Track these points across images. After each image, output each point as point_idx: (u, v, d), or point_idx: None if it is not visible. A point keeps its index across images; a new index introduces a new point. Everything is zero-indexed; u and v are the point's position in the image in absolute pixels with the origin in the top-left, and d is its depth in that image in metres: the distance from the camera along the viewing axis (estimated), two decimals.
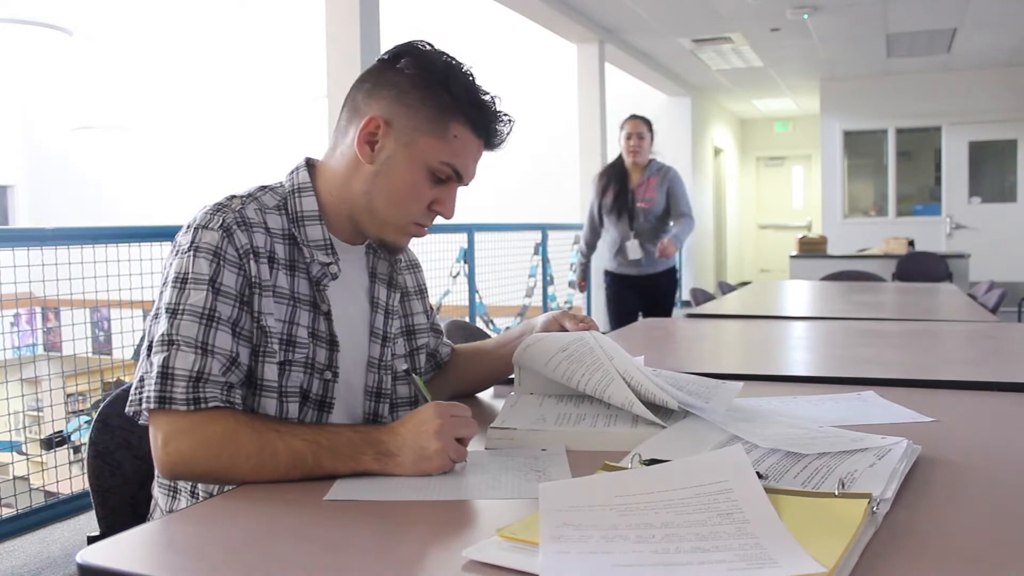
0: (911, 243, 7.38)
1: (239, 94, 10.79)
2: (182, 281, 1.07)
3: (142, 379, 1.05)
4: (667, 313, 4.49)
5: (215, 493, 1.07)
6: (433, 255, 5.29)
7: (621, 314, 4.45)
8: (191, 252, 1.08)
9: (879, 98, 9.79)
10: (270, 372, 1.11)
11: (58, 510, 2.97)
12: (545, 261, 6.58)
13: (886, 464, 0.93)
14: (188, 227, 1.12)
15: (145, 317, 1.13)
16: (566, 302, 7.03)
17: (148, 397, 1.03)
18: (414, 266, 1.40)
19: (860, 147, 10.22)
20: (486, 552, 0.74)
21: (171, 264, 1.10)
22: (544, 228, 6.60)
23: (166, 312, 1.06)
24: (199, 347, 1.04)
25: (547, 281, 6.57)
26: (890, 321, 2.65)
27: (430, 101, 1.14)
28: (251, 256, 1.10)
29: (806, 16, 6.88)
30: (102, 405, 1.28)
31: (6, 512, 2.92)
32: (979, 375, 1.66)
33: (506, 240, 6.18)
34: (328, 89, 4.38)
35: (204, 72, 10.88)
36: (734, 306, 3.40)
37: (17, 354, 3.82)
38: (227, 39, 10.54)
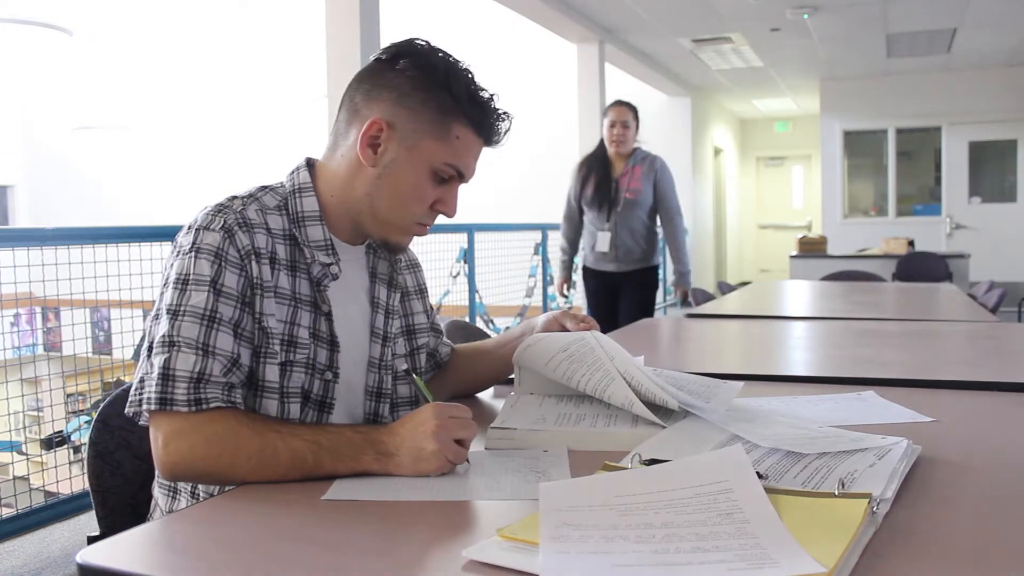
0: (911, 243, 7.38)
1: (239, 94, 10.80)
2: (183, 282, 1.07)
3: (142, 380, 1.05)
4: (647, 315, 4.04)
5: (215, 493, 1.07)
6: (433, 255, 5.30)
7: (597, 314, 4.09)
8: (192, 253, 1.08)
9: (879, 98, 9.79)
10: (271, 373, 1.11)
11: (58, 510, 2.97)
12: (545, 261, 6.59)
13: (886, 464, 0.93)
14: (189, 228, 1.12)
15: (145, 317, 1.13)
16: (566, 303, 7.03)
17: (149, 398, 1.03)
18: (414, 266, 1.40)
19: (860, 147, 10.22)
20: (486, 552, 0.74)
21: (172, 265, 1.10)
22: (544, 228, 6.60)
23: (167, 313, 1.06)
24: (200, 348, 1.04)
25: (547, 281, 6.57)
26: (890, 321, 2.65)
27: (431, 103, 1.13)
28: (252, 257, 1.10)
29: (806, 16, 6.88)
30: (102, 405, 1.28)
31: (6, 512, 2.92)
32: (979, 375, 1.66)
33: (506, 240, 6.18)
34: (328, 89, 4.38)
35: (204, 72, 10.88)
36: (734, 306, 3.40)
37: (17, 354, 3.83)
38: (227, 39, 10.54)
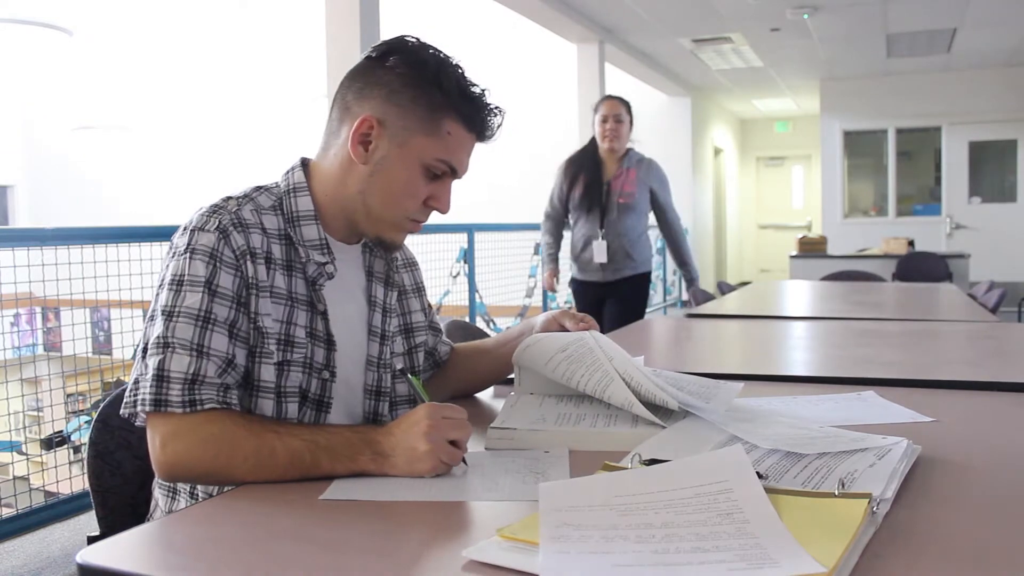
0: (911, 243, 7.38)
1: (239, 94, 10.80)
2: (178, 283, 1.07)
3: (137, 381, 1.05)
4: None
5: (214, 494, 1.07)
6: (433, 255, 5.29)
7: None
8: (187, 254, 1.08)
9: (879, 98, 9.80)
10: (267, 373, 1.11)
11: (58, 510, 2.97)
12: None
13: (886, 464, 0.93)
14: (184, 229, 1.12)
15: (146, 317, 1.13)
16: (566, 302, 7.03)
17: (143, 399, 1.03)
18: (411, 264, 1.40)
19: (860, 147, 10.23)
20: (486, 552, 0.74)
21: (167, 266, 1.10)
22: None
23: (162, 314, 1.06)
24: (194, 349, 1.04)
25: None
26: (890, 321, 2.65)
27: (422, 100, 1.13)
28: (248, 257, 1.10)
29: (806, 16, 6.88)
30: (102, 405, 1.28)
31: (6, 512, 2.92)
32: (979, 375, 1.66)
33: (506, 240, 6.18)
34: (328, 89, 4.38)
35: (204, 72, 10.88)
36: (734, 306, 3.40)
37: (17, 354, 3.83)
38: (227, 39, 10.54)
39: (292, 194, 1.19)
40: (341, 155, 1.17)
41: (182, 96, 11.09)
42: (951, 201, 9.58)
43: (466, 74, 1.16)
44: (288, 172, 1.22)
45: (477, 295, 5.62)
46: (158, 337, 1.05)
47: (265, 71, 10.53)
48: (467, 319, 5.42)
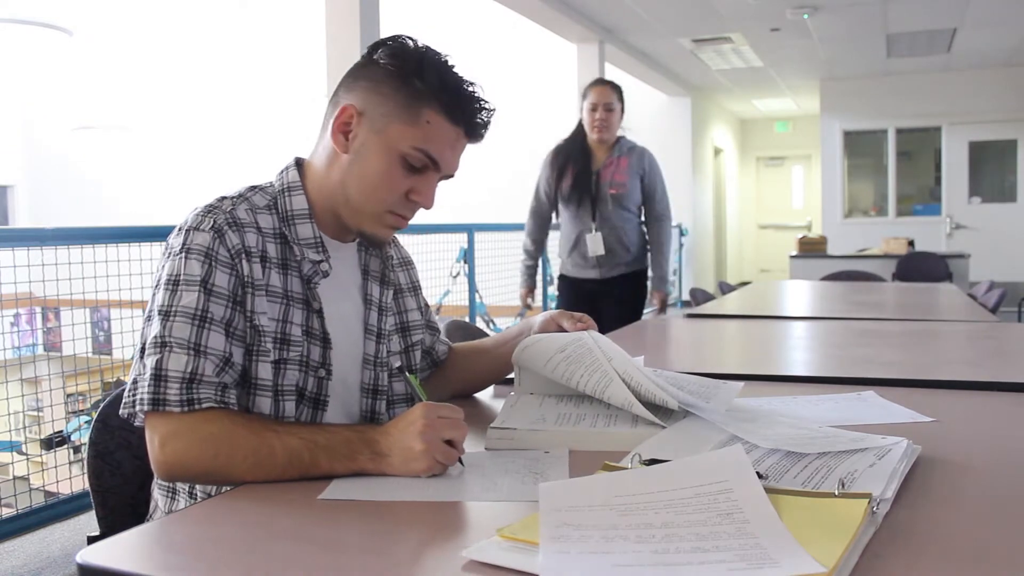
0: (911, 243, 7.39)
1: (239, 94, 10.80)
2: (174, 283, 1.07)
3: (135, 381, 1.05)
4: None
5: (213, 494, 1.07)
6: (433, 255, 5.30)
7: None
8: (183, 254, 1.08)
9: (879, 98, 9.80)
10: (264, 371, 1.11)
11: (58, 510, 2.97)
12: (545, 261, 6.58)
13: (886, 464, 0.93)
14: (179, 229, 1.12)
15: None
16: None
17: (142, 399, 1.03)
18: (407, 263, 1.40)
19: (860, 147, 10.23)
20: (486, 552, 0.74)
21: (163, 266, 1.10)
22: None
23: (158, 314, 1.06)
24: (192, 348, 1.04)
25: (547, 281, 6.57)
26: (890, 321, 2.65)
27: (403, 89, 1.13)
28: (243, 256, 1.10)
29: (806, 16, 6.88)
30: (102, 405, 1.28)
31: (6, 512, 2.92)
32: (979, 375, 1.66)
33: (506, 240, 6.17)
34: (328, 89, 4.37)
35: (204, 72, 10.88)
36: (734, 306, 3.40)
37: (17, 354, 3.83)
38: (227, 39, 10.54)
39: (286, 193, 1.19)
40: (327, 148, 1.18)
41: (182, 96, 11.09)
42: (951, 201, 9.58)
43: (454, 68, 1.16)
44: (282, 171, 1.22)
45: (477, 295, 5.62)
46: (155, 337, 1.05)
47: (265, 71, 10.53)
48: (467, 319, 5.42)
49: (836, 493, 0.83)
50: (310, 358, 1.16)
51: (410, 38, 1.17)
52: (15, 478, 3.72)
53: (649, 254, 3.68)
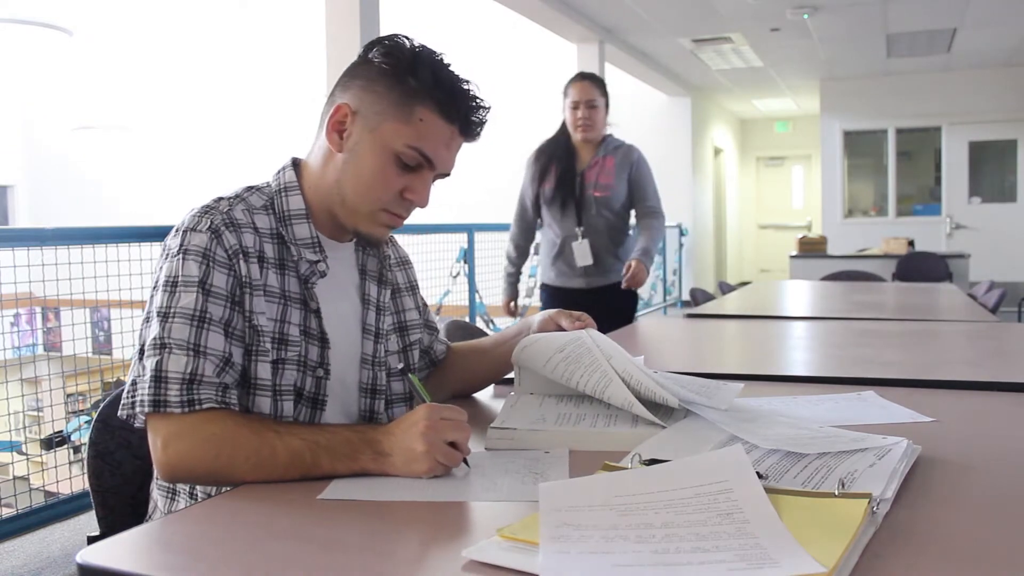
0: (911, 243, 7.39)
1: (239, 94, 10.80)
2: (172, 284, 1.07)
3: (134, 382, 1.05)
4: None
5: (213, 494, 1.07)
6: (433, 255, 5.29)
7: None
8: (180, 255, 1.08)
9: (879, 98, 9.80)
10: (263, 371, 1.11)
11: (58, 510, 2.97)
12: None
13: (886, 464, 0.93)
14: (176, 230, 1.12)
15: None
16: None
17: (142, 401, 1.03)
18: (404, 262, 1.41)
19: (860, 147, 10.23)
20: (486, 552, 0.74)
21: (161, 268, 1.10)
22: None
23: (157, 316, 1.06)
24: (191, 349, 1.04)
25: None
26: (890, 321, 2.65)
27: (396, 87, 1.14)
28: (240, 256, 1.10)
29: (806, 16, 6.88)
30: (102, 405, 1.28)
31: (6, 512, 2.92)
32: (979, 375, 1.66)
33: (506, 240, 6.17)
34: (328, 89, 4.37)
35: (204, 72, 10.88)
36: (734, 306, 3.40)
37: (17, 354, 3.83)
38: (227, 39, 10.54)
39: (283, 193, 1.19)
40: (322, 147, 1.19)
41: (182, 96, 11.09)
42: (951, 201, 9.58)
43: (449, 66, 1.16)
44: (279, 172, 1.23)
45: (477, 295, 5.62)
46: (154, 338, 1.05)
47: (265, 71, 10.53)
48: (467, 319, 5.42)
49: (836, 493, 0.83)
50: (308, 358, 1.16)
51: (406, 37, 1.17)
52: (15, 478, 3.72)
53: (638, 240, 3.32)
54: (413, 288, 1.40)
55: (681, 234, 10.09)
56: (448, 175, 1.20)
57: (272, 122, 10.40)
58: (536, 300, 3.63)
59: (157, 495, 1.17)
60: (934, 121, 9.66)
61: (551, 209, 3.28)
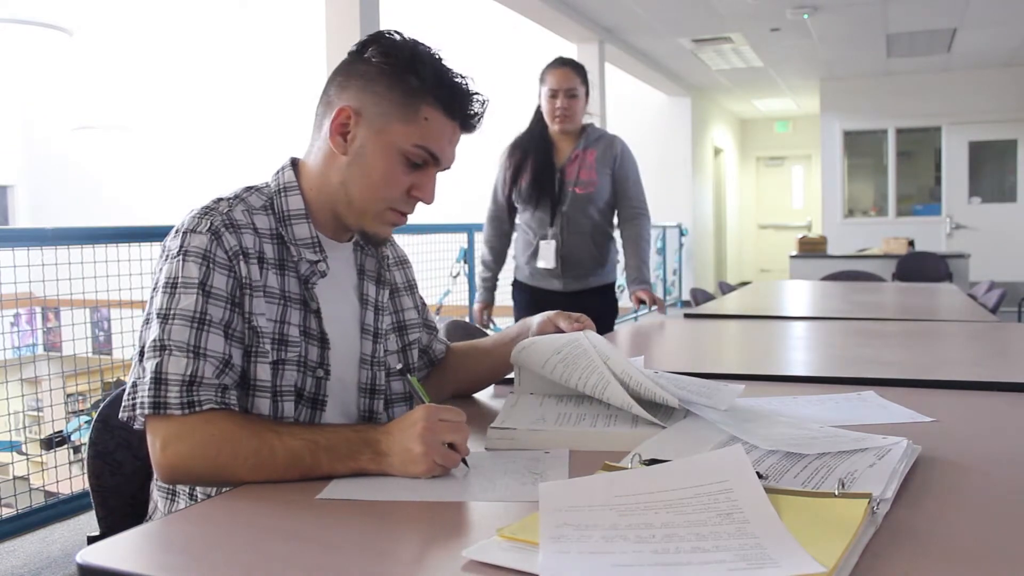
0: (911, 243, 7.39)
1: (239, 94, 10.80)
2: (172, 286, 1.07)
3: (135, 384, 1.05)
4: None
5: (213, 495, 1.07)
6: (433, 255, 5.29)
7: None
8: (180, 256, 1.08)
9: (879, 98, 9.80)
10: (263, 372, 1.11)
11: (58, 510, 2.97)
12: None
13: (886, 464, 0.93)
14: (176, 232, 1.12)
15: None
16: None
17: (142, 403, 1.03)
18: (402, 262, 1.40)
19: (860, 147, 10.23)
20: (486, 552, 0.74)
21: (161, 269, 1.10)
22: None
23: (157, 317, 1.06)
24: (191, 351, 1.04)
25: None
26: (890, 321, 2.65)
27: (398, 86, 1.14)
28: (240, 257, 1.10)
29: (806, 16, 6.88)
30: (102, 405, 1.28)
31: (6, 512, 2.92)
32: (979, 375, 1.66)
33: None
34: None
35: (204, 72, 10.88)
36: (734, 306, 3.40)
37: (17, 354, 3.83)
38: (227, 39, 10.54)
39: (282, 193, 1.19)
40: (324, 149, 1.18)
41: (182, 96, 11.09)
42: (951, 201, 9.58)
43: (444, 62, 1.16)
44: (278, 172, 1.22)
45: (477, 295, 5.62)
46: (154, 340, 1.04)
47: (265, 71, 10.53)
48: (467, 319, 5.42)
49: (836, 493, 0.83)
50: (308, 358, 1.16)
51: (397, 33, 1.17)
52: (15, 478, 3.72)
53: (621, 257, 3.15)
54: (411, 288, 1.40)
55: (681, 234, 10.10)
56: (449, 168, 1.21)
57: (272, 122, 10.40)
58: (509, 300, 3.30)
59: (157, 496, 1.17)
60: (934, 121, 9.66)
61: (527, 206, 3.01)
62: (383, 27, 1.21)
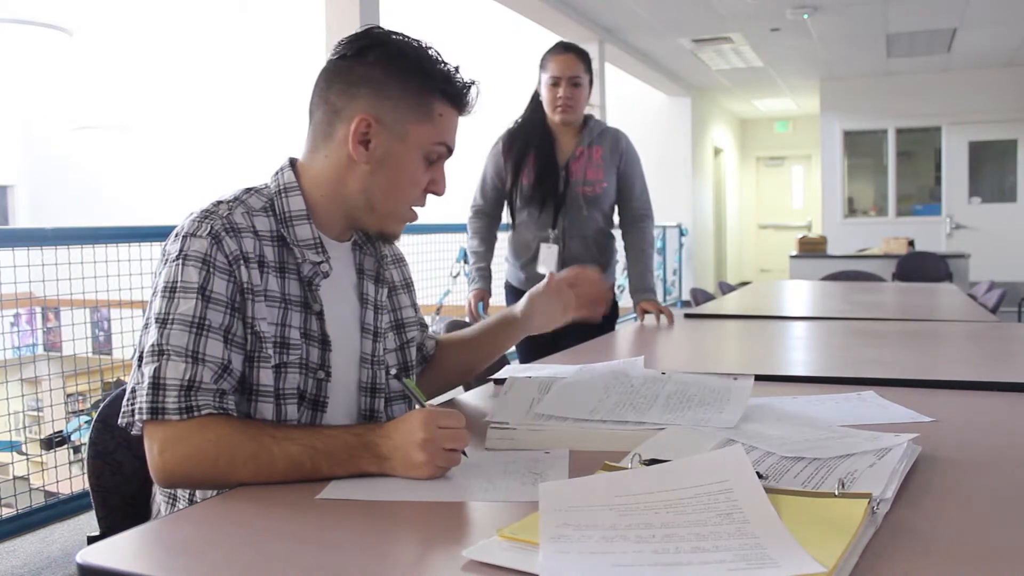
0: (911, 243, 7.39)
1: (239, 94, 10.80)
2: (171, 290, 1.06)
3: (134, 390, 1.05)
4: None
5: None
6: (433, 255, 5.29)
7: (529, 352, 2.51)
8: (180, 261, 1.08)
9: (879, 98, 9.80)
10: (266, 377, 1.11)
11: (58, 510, 2.97)
12: None
13: (886, 464, 0.93)
14: (176, 235, 1.11)
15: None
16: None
17: (140, 408, 1.02)
18: (399, 260, 1.41)
19: (860, 147, 10.23)
20: (486, 552, 0.74)
21: (160, 273, 1.10)
22: None
23: (156, 322, 1.05)
24: (189, 356, 1.04)
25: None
26: (890, 321, 2.65)
27: (410, 88, 1.15)
28: (241, 261, 1.10)
29: (806, 16, 6.88)
30: (102, 405, 1.28)
31: (6, 512, 2.92)
32: (979, 375, 1.66)
33: (505, 240, 6.16)
34: None
35: (204, 72, 10.88)
36: (734, 306, 3.40)
37: (17, 354, 3.82)
38: (227, 39, 10.54)
39: (283, 194, 1.19)
40: (338, 156, 1.17)
41: (182, 96, 11.08)
42: (951, 201, 9.58)
43: (440, 55, 1.19)
44: (278, 173, 1.22)
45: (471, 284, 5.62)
46: (153, 345, 1.04)
47: (265, 72, 10.52)
48: (467, 319, 5.41)
49: (836, 493, 0.83)
50: (309, 360, 1.15)
51: (383, 29, 1.19)
52: (15, 478, 3.72)
53: (621, 257, 2.94)
54: (408, 285, 1.40)
55: (681, 234, 10.09)
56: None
57: (272, 122, 10.39)
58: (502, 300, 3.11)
59: (160, 499, 1.17)
60: (934, 121, 9.66)
61: (528, 208, 2.76)
62: (383, 27, 1.21)
